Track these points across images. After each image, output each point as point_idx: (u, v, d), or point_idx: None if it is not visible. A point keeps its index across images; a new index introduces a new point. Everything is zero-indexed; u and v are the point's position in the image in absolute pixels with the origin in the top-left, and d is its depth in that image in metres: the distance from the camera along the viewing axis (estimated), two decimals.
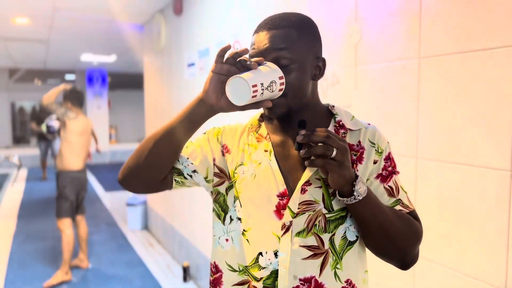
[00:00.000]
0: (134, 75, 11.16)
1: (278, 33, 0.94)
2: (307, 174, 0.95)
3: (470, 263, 1.36)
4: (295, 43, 0.94)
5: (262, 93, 0.87)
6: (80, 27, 5.58)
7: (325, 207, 0.94)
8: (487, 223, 1.30)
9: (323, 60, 1.00)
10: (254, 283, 0.97)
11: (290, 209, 0.95)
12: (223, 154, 1.06)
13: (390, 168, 0.99)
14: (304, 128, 0.86)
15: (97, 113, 11.33)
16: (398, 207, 0.98)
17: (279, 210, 0.96)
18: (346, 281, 0.96)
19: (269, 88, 0.88)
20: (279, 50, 0.92)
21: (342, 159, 0.84)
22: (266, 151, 1.01)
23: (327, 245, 0.94)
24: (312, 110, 1.00)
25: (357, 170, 0.96)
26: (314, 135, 0.83)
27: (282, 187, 0.97)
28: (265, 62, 0.91)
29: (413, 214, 1.00)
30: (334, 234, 0.94)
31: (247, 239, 1.00)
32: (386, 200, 0.97)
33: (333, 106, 1.05)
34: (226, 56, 0.90)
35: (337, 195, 0.90)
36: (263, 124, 1.07)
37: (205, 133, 1.11)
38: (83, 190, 4.01)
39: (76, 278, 3.83)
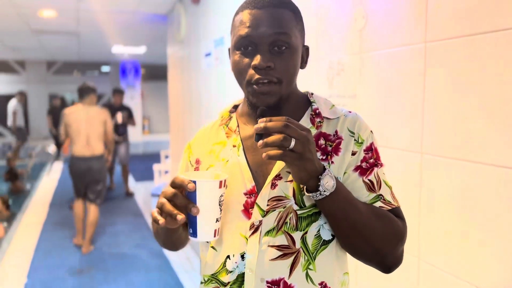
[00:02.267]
0: (165, 66, 11.25)
1: (276, 14, 0.86)
2: (277, 167, 0.87)
3: (479, 271, 1.21)
4: (292, 27, 0.87)
5: (219, 218, 0.84)
6: (105, 19, 5.64)
7: (296, 203, 0.86)
8: (498, 224, 1.15)
9: (307, 49, 0.95)
10: None
11: (258, 206, 0.87)
12: (196, 171, 1.00)
13: (371, 160, 0.90)
14: (264, 117, 0.77)
15: (130, 104, 11.52)
16: (378, 204, 0.88)
17: (247, 209, 0.89)
18: (320, 284, 0.88)
19: (221, 205, 0.84)
20: (280, 35, 0.85)
21: (302, 150, 0.74)
22: (234, 146, 0.94)
23: (298, 244, 0.86)
24: (291, 98, 0.93)
25: (332, 162, 0.88)
26: (271, 123, 0.74)
27: (250, 183, 0.89)
28: (193, 181, 0.80)
29: (395, 212, 0.90)
30: (306, 233, 0.86)
31: (212, 246, 0.94)
32: (365, 195, 0.88)
33: (312, 94, 0.97)
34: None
35: (304, 191, 0.82)
36: (234, 115, 1.00)
37: (181, 164, 1.06)
38: (86, 178, 4.19)
39: (97, 268, 3.89)
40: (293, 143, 0.73)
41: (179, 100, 4.91)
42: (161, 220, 0.80)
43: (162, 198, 0.82)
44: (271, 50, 0.85)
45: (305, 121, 0.92)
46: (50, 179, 8.08)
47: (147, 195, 6.61)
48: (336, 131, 0.90)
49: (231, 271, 0.90)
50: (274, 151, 0.74)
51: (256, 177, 0.90)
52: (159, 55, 10.06)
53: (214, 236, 0.83)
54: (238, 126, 0.97)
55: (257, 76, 0.85)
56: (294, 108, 0.93)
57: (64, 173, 8.86)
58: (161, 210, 0.81)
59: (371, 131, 0.93)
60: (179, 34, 4.52)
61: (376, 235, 0.85)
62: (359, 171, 0.88)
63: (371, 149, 0.90)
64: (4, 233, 4.93)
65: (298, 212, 0.86)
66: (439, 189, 1.33)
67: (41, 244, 4.49)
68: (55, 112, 8.92)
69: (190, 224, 0.83)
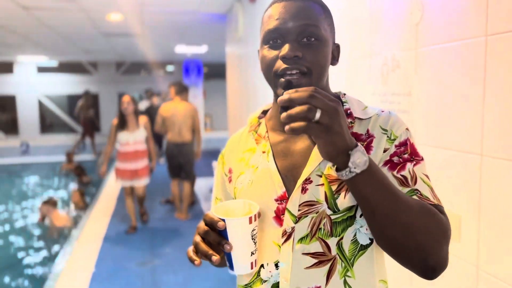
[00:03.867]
0: (225, 64, 11.46)
1: (304, 6, 0.85)
2: (307, 170, 0.84)
3: None
4: (322, 20, 0.86)
5: (254, 251, 0.83)
6: (168, 20, 5.84)
7: (329, 207, 0.82)
8: None
9: (338, 46, 0.93)
10: None
11: (290, 212, 0.84)
12: (229, 181, 0.99)
13: (405, 155, 0.83)
14: (290, 89, 0.72)
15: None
16: (414, 198, 0.79)
17: (279, 216, 0.86)
18: None
19: (254, 238, 0.82)
20: (308, 26, 0.83)
21: (329, 122, 0.67)
22: (264, 152, 0.92)
23: (334, 250, 0.82)
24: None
25: None
26: (296, 94, 0.68)
27: (280, 189, 0.87)
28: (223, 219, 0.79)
29: (437, 208, 0.80)
30: (342, 238, 0.82)
31: None
32: None
33: (344, 94, 0.93)
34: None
35: (335, 170, 0.75)
36: (263, 121, 0.98)
37: (216, 175, 1.06)
38: (178, 159, 5.14)
39: (158, 260, 4.05)
40: (318, 114, 0.66)
41: (237, 98, 4.98)
42: (197, 261, 0.80)
43: (197, 236, 0.82)
44: (300, 41, 0.83)
45: None
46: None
47: (207, 191, 6.78)
48: (367, 130, 0.86)
49: (265, 281, 0.88)
50: (297, 123, 0.66)
51: (286, 182, 0.87)
52: (220, 54, 10.27)
53: (251, 268, 0.82)
54: (267, 131, 0.95)
55: (284, 66, 0.82)
56: None
57: None
58: (196, 249, 0.81)
59: (407, 128, 0.87)
60: (237, 33, 4.57)
61: (417, 226, 0.74)
62: (389, 165, 0.83)
63: (405, 144, 0.84)
64: (70, 222, 5.30)
65: (332, 217, 0.82)
66: (501, 194, 1.23)
67: (108, 235, 4.76)
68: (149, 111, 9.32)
69: (227, 258, 0.82)
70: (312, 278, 0.83)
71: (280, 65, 0.83)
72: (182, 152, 5.12)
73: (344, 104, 0.91)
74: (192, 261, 0.80)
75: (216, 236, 0.79)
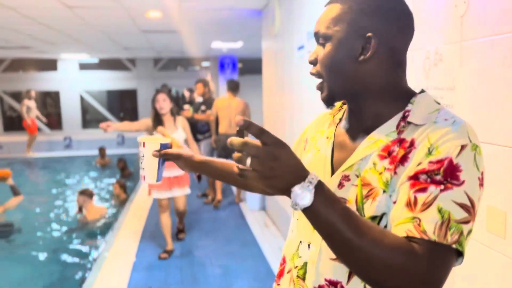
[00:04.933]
0: (260, 60, 11.48)
1: (326, 9, 0.89)
2: (345, 165, 0.86)
3: None
4: (336, 18, 0.86)
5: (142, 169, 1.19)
6: (205, 17, 5.92)
7: (357, 209, 0.82)
8: None
9: (370, 37, 0.82)
10: (293, 270, 0.94)
11: None
12: (303, 149, 1.06)
13: (437, 177, 0.72)
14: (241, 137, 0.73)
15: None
16: (407, 227, 0.71)
17: None
18: None
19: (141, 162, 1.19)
20: (321, 27, 0.88)
21: (260, 168, 0.68)
22: (327, 138, 0.96)
23: None
24: (376, 97, 0.86)
25: (395, 173, 0.78)
26: (233, 141, 0.69)
27: (327, 177, 0.90)
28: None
29: (426, 246, 0.69)
30: None
31: (293, 229, 0.98)
32: (398, 209, 0.74)
33: (420, 93, 0.86)
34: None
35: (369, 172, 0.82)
36: (345, 107, 0.99)
37: (296, 141, 1.12)
38: (228, 150, 5.34)
39: (196, 252, 4.15)
40: (248, 161, 0.69)
41: (272, 94, 4.99)
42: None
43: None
44: (318, 43, 0.89)
45: (392, 123, 0.84)
46: None
47: None
48: (413, 139, 0.78)
49: (300, 257, 0.92)
50: (236, 170, 0.71)
51: (334, 173, 0.89)
52: (255, 50, 10.29)
53: (141, 180, 1.18)
54: (341, 119, 0.97)
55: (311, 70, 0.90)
56: (382, 106, 0.85)
57: None
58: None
59: (462, 146, 0.73)
60: (273, 28, 4.59)
61: (374, 265, 0.68)
62: (411, 181, 0.74)
63: (441, 162, 0.72)
64: (104, 214, 5.48)
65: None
66: None
67: (147, 227, 4.90)
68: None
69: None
70: (336, 271, 0.84)
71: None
72: (222, 143, 5.56)
73: (409, 104, 0.84)
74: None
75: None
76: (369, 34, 0.83)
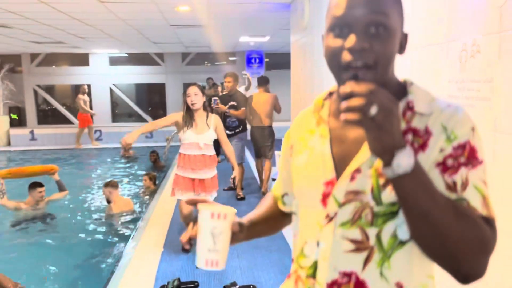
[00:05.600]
0: (286, 54, 11.46)
1: None
2: (357, 160, 0.85)
3: None
4: (392, 8, 0.82)
5: (212, 249, 0.90)
6: (233, 10, 5.94)
7: (373, 198, 0.83)
8: None
9: (406, 36, 0.88)
10: (299, 271, 0.95)
11: (335, 198, 0.87)
12: (291, 156, 1.03)
13: (462, 159, 0.79)
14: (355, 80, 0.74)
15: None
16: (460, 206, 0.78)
17: (325, 199, 0.89)
18: (396, 284, 0.84)
19: (215, 237, 0.90)
20: (377, 15, 0.80)
21: (382, 120, 0.69)
22: (322, 136, 0.94)
23: (372, 241, 0.84)
24: (385, 87, 0.84)
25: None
26: (357, 87, 0.69)
27: (330, 174, 0.89)
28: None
29: (485, 220, 0.78)
30: (381, 230, 0.84)
31: (296, 233, 0.99)
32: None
33: (411, 84, 0.89)
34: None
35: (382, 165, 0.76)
36: (327, 103, 0.98)
37: (282, 149, 1.10)
38: (260, 141, 5.81)
39: None
40: (374, 110, 0.68)
41: (301, 88, 4.97)
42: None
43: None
44: (367, 31, 0.80)
45: None
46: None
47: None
48: (426, 127, 0.82)
49: (307, 256, 0.92)
50: (352, 114, 0.69)
51: (338, 168, 0.88)
52: (281, 44, 10.28)
53: (206, 265, 0.88)
54: (329, 115, 0.96)
55: (350, 58, 0.80)
56: None
57: None
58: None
59: (473, 128, 0.81)
60: (302, 21, 4.56)
61: (453, 235, 0.74)
62: (441, 167, 0.80)
63: (463, 147, 0.80)
64: (130, 206, 5.59)
65: (375, 209, 0.83)
66: None
67: (175, 219, 4.98)
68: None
69: None
70: (349, 262, 0.85)
71: (345, 56, 0.80)
72: (263, 134, 5.88)
73: (409, 94, 0.87)
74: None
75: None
76: (406, 32, 0.87)
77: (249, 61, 12.52)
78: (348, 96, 0.70)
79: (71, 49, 10.97)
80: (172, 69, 12.77)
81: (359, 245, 0.85)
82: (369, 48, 0.79)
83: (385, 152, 0.72)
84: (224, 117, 5.68)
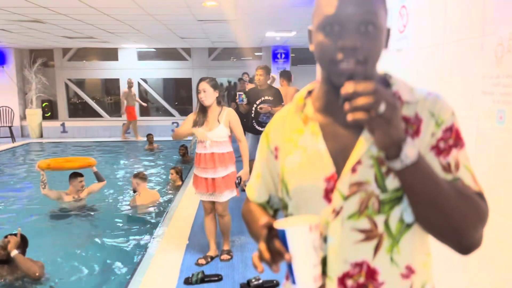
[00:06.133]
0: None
1: None
2: (357, 152, 0.86)
3: None
4: (379, 6, 0.86)
5: (317, 263, 0.83)
6: (260, 5, 5.92)
7: (378, 187, 0.86)
8: None
9: (389, 30, 0.92)
10: None
11: (339, 191, 0.87)
12: (276, 158, 1.01)
13: (451, 141, 0.87)
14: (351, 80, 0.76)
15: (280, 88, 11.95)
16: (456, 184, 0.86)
17: (328, 195, 0.89)
18: (406, 267, 0.88)
19: (316, 249, 0.82)
20: (367, 14, 0.83)
21: (390, 115, 0.74)
22: (313, 133, 0.93)
23: (381, 228, 0.87)
24: (371, 79, 0.88)
25: None
26: (361, 86, 0.73)
27: (329, 170, 0.89)
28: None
29: (479, 195, 0.86)
30: (389, 216, 0.87)
31: None
32: (440, 176, 0.84)
33: (390, 76, 0.93)
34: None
35: (385, 159, 0.81)
36: (308, 101, 0.98)
37: (259, 151, 1.07)
38: None
39: (246, 237, 4.20)
40: (383, 107, 0.72)
41: None
42: (259, 268, 0.85)
43: (261, 243, 0.85)
44: (358, 30, 0.83)
45: None
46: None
47: None
48: (416, 113, 0.88)
49: None
50: (361, 114, 0.72)
51: (336, 163, 0.89)
52: (307, 39, 10.17)
53: (315, 282, 0.81)
54: (314, 112, 0.96)
55: (342, 57, 0.83)
56: None
57: None
58: (260, 256, 0.85)
59: (453, 112, 0.89)
60: None
61: (457, 213, 0.81)
62: (435, 150, 0.87)
63: (450, 130, 0.87)
64: (155, 199, 5.67)
65: (380, 197, 0.85)
66: None
67: (200, 212, 5.03)
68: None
69: (289, 270, 0.82)
70: (360, 252, 0.87)
71: (337, 55, 0.83)
72: None
73: (393, 86, 0.91)
74: (255, 267, 0.86)
75: (279, 246, 0.83)
76: (389, 27, 0.91)
77: (275, 56, 12.48)
78: (351, 96, 0.72)
79: (101, 44, 11.19)
80: (199, 64, 12.86)
81: (369, 234, 0.87)
82: (360, 46, 0.83)
83: (393, 145, 0.77)
84: (255, 112, 5.36)
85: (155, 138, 10.39)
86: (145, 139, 10.51)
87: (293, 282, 0.81)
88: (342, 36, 0.83)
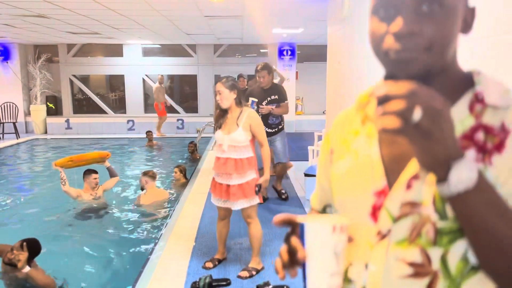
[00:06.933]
0: (319, 46, 11.26)
1: None
2: (415, 163, 0.69)
3: None
4: None
5: (336, 273, 0.69)
6: (268, 1, 5.80)
7: (436, 211, 0.67)
8: None
9: (473, 10, 0.73)
10: None
11: (388, 210, 0.71)
12: (330, 162, 0.88)
13: None
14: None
15: (285, 85, 11.83)
16: None
17: (375, 212, 0.74)
18: None
19: (338, 257, 0.69)
20: None
21: (430, 126, 0.56)
22: (368, 136, 0.79)
23: (436, 264, 0.68)
24: (446, 74, 0.72)
25: (490, 163, 0.66)
26: (394, 87, 0.57)
27: (380, 182, 0.74)
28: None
29: None
30: (447, 252, 0.68)
31: None
32: None
33: (479, 73, 0.74)
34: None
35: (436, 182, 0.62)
36: (373, 99, 0.82)
37: (320, 154, 0.95)
38: None
39: (243, 249, 4.10)
40: (417, 115, 0.55)
41: (338, 81, 4.79)
42: (280, 275, 0.74)
43: (283, 245, 0.75)
44: (418, 11, 0.66)
45: (461, 107, 0.71)
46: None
47: (301, 174, 6.73)
48: (503, 123, 0.68)
49: (351, 281, 0.78)
50: (391, 122, 0.56)
51: (389, 174, 0.74)
52: (314, 36, 10.05)
53: None
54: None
55: (397, 46, 0.67)
56: (450, 88, 0.72)
57: None
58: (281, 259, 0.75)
59: None
60: (341, 12, 4.38)
61: None
62: None
63: None
64: (163, 198, 5.59)
65: (438, 224, 0.67)
66: None
67: (206, 213, 4.93)
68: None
69: (302, 273, 0.71)
70: None
71: (391, 43, 0.68)
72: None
73: (476, 85, 0.72)
74: (276, 272, 0.75)
75: (294, 242, 0.72)
76: (473, 6, 0.72)
77: (280, 53, 12.36)
78: (384, 99, 0.57)
79: (106, 40, 11.09)
80: (204, 60, 12.75)
81: (419, 269, 0.69)
82: (420, 31, 0.66)
83: (437, 165, 0.60)
84: (264, 115, 4.97)
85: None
86: (167, 135, 10.54)
87: (305, 286, 0.70)
88: (396, 20, 0.67)
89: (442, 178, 0.60)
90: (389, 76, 0.75)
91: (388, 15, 0.69)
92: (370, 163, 0.77)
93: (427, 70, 0.68)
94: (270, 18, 7.43)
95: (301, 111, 13.45)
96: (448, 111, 0.58)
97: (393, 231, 0.72)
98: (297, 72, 12.67)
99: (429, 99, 0.57)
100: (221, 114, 3.31)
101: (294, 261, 0.72)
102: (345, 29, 4.40)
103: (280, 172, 5.46)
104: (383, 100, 0.58)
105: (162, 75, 11.53)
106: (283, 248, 0.74)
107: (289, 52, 12.37)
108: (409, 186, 0.70)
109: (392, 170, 0.73)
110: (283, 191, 5.48)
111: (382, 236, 0.73)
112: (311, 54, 12.91)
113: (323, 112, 12.17)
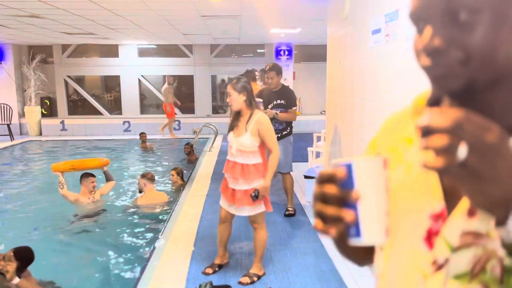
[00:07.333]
0: (317, 46, 11.19)
1: None
2: None
3: None
4: None
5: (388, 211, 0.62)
6: (266, 1, 5.72)
7: (504, 246, 0.56)
8: None
9: None
10: None
11: (445, 238, 0.62)
12: None
13: None
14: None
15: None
16: None
17: (430, 238, 0.64)
18: None
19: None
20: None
21: (480, 165, 0.48)
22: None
23: None
24: (504, 84, 0.59)
25: None
26: (436, 118, 0.49)
27: (438, 204, 0.64)
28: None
29: None
30: None
31: (384, 275, 0.72)
32: None
33: None
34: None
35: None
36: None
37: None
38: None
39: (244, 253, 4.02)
40: (463, 151, 0.48)
41: (338, 82, 4.72)
42: (332, 231, 0.62)
43: (316, 202, 0.64)
44: (448, 22, 0.57)
45: None
46: (212, 153, 8.75)
47: (301, 176, 6.64)
48: None
49: None
50: (433, 160, 0.49)
51: (448, 197, 0.63)
52: (312, 36, 9.98)
53: (387, 236, 0.62)
54: None
55: (428, 62, 0.60)
56: None
57: (224, 147, 9.52)
58: (321, 217, 0.63)
59: None
60: (342, 11, 4.30)
61: None
62: None
63: None
64: (161, 201, 5.50)
65: (506, 261, 0.57)
66: None
67: (204, 216, 4.84)
68: None
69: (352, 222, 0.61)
70: None
71: (423, 59, 0.60)
72: None
73: None
74: (325, 233, 0.62)
75: (333, 190, 0.61)
76: None
77: (277, 53, 12.28)
78: (427, 131, 0.50)
79: (101, 40, 10.97)
80: (201, 61, 12.65)
81: None
82: (449, 44, 0.57)
83: (493, 207, 0.51)
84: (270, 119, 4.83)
85: (155, 137, 10.24)
86: (175, 136, 10.45)
87: (357, 234, 0.61)
88: (424, 32, 0.60)
89: (500, 221, 0.52)
90: (434, 96, 0.67)
91: (420, 29, 0.62)
92: (426, 180, 0.66)
93: (470, 83, 0.58)
94: (268, 18, 7.35)
95: (298, 111, 13.38)
96: (504, 145, 0.49)
97: (452, 263, 0.62)
98: (294, 72, 12.61)
99: (478, 132, 0.48)
100: (236, 116, 3.23)
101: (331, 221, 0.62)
102: (345, 30, 4.32)
103: (287, 185, 5.01)
104: (425, 133, 0.50)
105: (171, 76, 11.42)
106: (319, 206, 0.63)
107: (286, 52, 12.30)
108: (471, 213, 0.60)
109: (452, 192, 0.63)
110: (290, 208, 4.97)
111: (439, 266, 0.63)
112: (309, 54, 12.85)
113: (321, 112, 12.11)
